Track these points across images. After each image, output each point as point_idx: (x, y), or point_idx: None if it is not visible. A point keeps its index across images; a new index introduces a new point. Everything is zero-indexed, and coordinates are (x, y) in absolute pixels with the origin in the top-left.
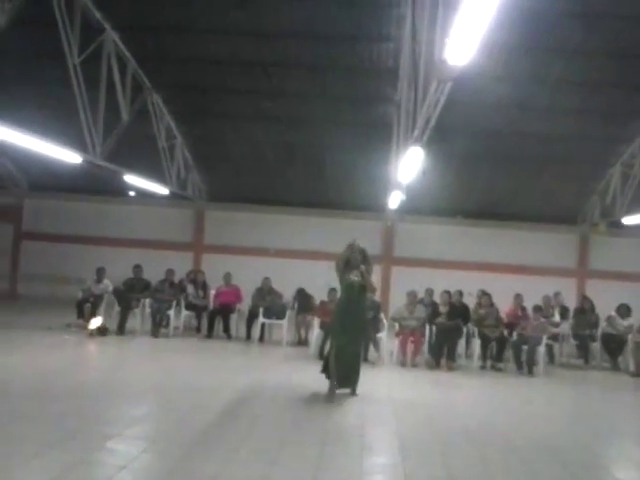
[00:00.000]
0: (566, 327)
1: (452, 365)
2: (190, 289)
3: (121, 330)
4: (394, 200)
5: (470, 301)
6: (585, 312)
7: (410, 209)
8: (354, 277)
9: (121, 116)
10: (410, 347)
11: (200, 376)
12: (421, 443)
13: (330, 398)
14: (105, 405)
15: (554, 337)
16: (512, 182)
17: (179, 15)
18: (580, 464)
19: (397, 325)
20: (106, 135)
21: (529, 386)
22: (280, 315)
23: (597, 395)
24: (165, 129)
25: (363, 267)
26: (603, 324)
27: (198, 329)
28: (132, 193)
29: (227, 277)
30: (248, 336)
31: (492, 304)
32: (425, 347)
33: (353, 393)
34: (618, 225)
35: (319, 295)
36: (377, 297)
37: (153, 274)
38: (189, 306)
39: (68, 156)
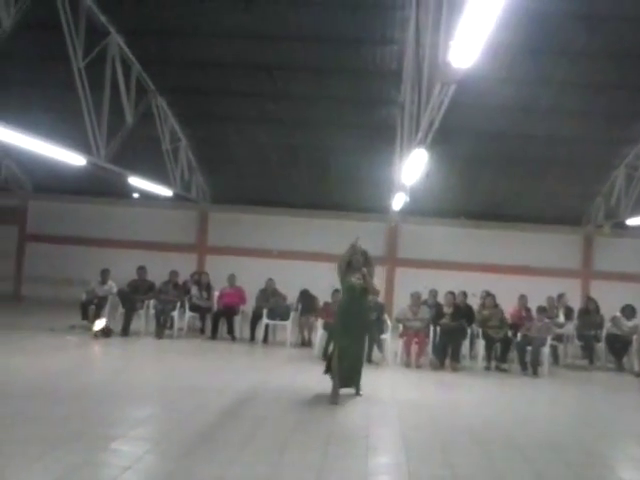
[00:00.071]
0: (570, 328)
1: (456, 366)
2: (194, 290)
3: (125, 331)
4: (398, 202)
5: (474, 302)
6: (589, 313)
7: (414, 211)
8: (355, 279)
9: (125, 119)
10: (414, 348)
11: (204, 377)
12: (425, 443)
13: (334, 399)
14: (109, 406)
15: (558, 338)
16: (516, 184)
17: (183, 18)
18: (584, 464)
19: (401, 326)
20: (110, 137)
21: (533, 387)
22: (284, 316)
23: (602, 396)
24: (169, 131)
25: (365, 269)
26: (608, 325)
27: (202, 330)
28: (136, 195)
29: (231, 278)
30: (252, 337)
31: (496, 305)
32: (429, 348)
33: (357, 393)
34: (622, 226)
35: (323, 296)
36: (381, 298)
37: (157, 276)
38: (193, 307)
39: (72, 158)
